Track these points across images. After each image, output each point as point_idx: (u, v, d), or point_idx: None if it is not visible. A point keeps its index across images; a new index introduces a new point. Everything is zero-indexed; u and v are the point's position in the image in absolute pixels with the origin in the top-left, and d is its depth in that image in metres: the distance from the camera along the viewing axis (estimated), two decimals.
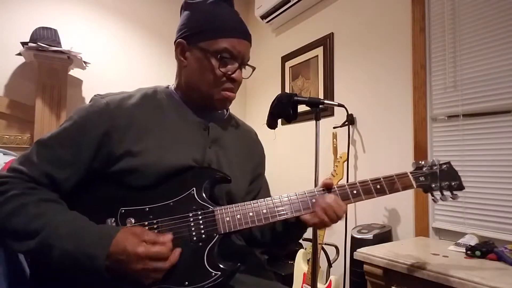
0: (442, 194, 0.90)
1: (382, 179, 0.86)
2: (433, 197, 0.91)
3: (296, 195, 0.83)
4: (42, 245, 0.68)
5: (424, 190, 0.90)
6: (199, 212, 0.77)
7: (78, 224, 0.71)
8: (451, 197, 0.90)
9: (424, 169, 0.91)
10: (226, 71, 0.85)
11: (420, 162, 0.93)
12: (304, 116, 2.19)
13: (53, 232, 0.68)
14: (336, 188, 0.85)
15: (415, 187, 0.89)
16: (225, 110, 1.01)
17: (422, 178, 0.89)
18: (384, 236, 1.60)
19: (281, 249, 0.99)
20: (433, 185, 0.89)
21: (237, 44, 0.85)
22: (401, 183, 0.87)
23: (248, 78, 0.94)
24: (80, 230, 0.70)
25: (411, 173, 0.90)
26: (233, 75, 0.86)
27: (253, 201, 0.82)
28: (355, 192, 0.85)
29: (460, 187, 0.90)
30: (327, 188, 0.85)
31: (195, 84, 0.87)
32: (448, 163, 0.92)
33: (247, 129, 1.06)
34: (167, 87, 0.94)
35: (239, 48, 0.85)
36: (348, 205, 0.85)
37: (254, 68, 0.94)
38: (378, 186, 0.85)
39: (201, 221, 0.77)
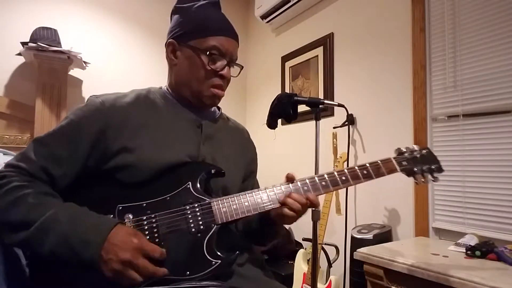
0: (424, 177, 0.94)
1: (368, 165, 0.90)
2: (416, 181, 0.95)
3: (289, 185, 0.87)
4: (39, 232, 0.67)
5: (407, 173, 0.94)
6: (196, 205, 0.79)
7: (76, 212, 0.72)
8: (432, 179, 0.94)
9: (406, 154, 0.95)
10: (215, 68, 0.89)
11: (402, 148, 0.97)
12: (304, 116, 2.20)
13: (52, 218, 0.68)
14: (327, 176, 0.88)
15: (399, 171, 0.92)
16: (217, 110, 1.04)
17: (404, 163, 0.93)
18: (384, 236, 1.60)
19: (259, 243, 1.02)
20: (415, 169, 0.93)
21: (225, 42, 0.90)
22: (386, 167, 0.91)
23: (237, 76, 0.97)
24: (78, 216, 0.71)
25: (394, 158, 0.94)
26: (222, 72, 0.90)
27: (248, 191, 0.84)
28: (343, 178, 0.88)
29: (440, 170, 0.94)
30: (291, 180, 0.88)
31: (186, 81, 0.91)
32: (427, 148, 0.97)
33: (239, 127, 1.10)
34: (160, 88, 0.98)
35: (227, 46, 0.90)
36: (348, 205, 0.87)
37: (242, 67, 0.98)
38: (365, 172, 0.89)
39: (198, 213, 0.78)
